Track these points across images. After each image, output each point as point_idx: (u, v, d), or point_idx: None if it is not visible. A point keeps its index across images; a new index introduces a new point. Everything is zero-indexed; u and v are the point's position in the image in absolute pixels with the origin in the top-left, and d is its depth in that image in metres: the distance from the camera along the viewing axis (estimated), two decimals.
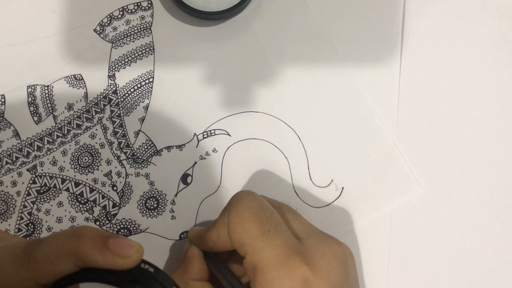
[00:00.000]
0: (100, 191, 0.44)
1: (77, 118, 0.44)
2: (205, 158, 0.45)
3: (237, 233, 0.34)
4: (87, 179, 0.44)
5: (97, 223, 0.43)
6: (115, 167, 0.44)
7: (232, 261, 0.39)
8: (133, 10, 0.46)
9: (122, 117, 0.45)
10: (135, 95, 0.45)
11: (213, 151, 0.45)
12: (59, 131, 0.44)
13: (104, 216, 0.44)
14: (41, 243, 0.30)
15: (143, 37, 0.46)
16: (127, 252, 0.29)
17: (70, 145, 0.44)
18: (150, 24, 0.46)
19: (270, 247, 0.33)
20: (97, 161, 0.44)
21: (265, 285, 0.33)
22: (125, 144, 0.44)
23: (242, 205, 0.35)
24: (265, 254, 0.33)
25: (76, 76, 0.45)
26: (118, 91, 0.45)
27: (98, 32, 0.46)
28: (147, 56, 0.45)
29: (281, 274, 0.33)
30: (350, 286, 0.35)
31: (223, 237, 0.36)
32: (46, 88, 0.44)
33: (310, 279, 0.33)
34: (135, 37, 0.46)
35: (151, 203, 0.44)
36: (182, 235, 0.44)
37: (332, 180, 0.45)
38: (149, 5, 0.46)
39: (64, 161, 0.44)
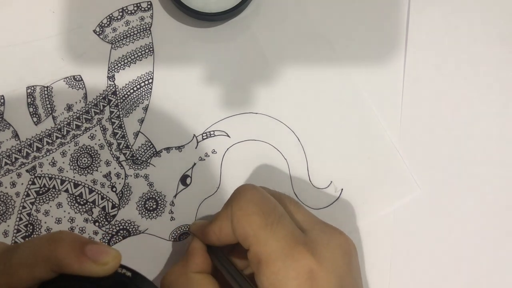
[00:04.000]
0: (99, 192, 0.44)
1: (76, 119, 0.44)
2: (204, 159, 0.45)
3: (240, 226, 0.35)
4: (86, 180, 0.44)
5: (96, 224, 0.43)
6: (114, 168, 0.44)
7: (235, 254, 0.39)
8: (133, 11, 0.46)
9: (121, 118, 0.45)
10: (134, 96, 0.45)
11: (212, 152, 0.45)
12: (59, 132, 0.44)
13: (103, 217, 0.44)
14: (18, 248, 0.30)
15: (142, 38, 0.46)
16: (104, 258, 0.29)
17: (69, 146, 0.44)
18: (149, 25, 0.46)
19: (274, 238, 0.33)
20: (96, 162, 0.44)
21: (270, 276, 0.33)
22: (125, 145, 0.44)
23: (245, 198, 0.36)
24: (270, 246, 0.33)
25: (76, 77, 0.45)
26: (117, 92, 0.45)
27: (97, 33, 0.45)
28: (146, 57, 0.45)
29: (286, 265, 0.33)
30: (353, 276, 0.35)
31: (225, 231, 0.36)
32: (45, 89, 0.44)
33: (315, 270, 0.33)
34: (134, 38, 0.46)
35: (150, 204, 0.44)
36: (182, 237, 0.44)
37: (331, 182, 0.45)
38: (149, 6, 0.46)
39: (64, 162, 0.44)
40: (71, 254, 0.29)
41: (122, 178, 0.44)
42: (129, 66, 0.45)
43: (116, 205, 0.44)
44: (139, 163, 0.44)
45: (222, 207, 0.38)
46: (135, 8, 0.46)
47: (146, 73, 0.45)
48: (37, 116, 0.44)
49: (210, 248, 0.39)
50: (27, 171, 0.44)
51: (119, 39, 0.45)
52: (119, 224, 0.44)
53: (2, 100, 0.44)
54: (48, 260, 0.29)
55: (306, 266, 0.33)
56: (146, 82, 0.45)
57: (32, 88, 0.44)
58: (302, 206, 0.39)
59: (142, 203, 0.44)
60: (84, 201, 0.44)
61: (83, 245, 0.29)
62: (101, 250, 0.29)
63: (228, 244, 0.37)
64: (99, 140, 0.44)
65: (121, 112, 0.45)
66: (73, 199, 0.44)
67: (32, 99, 0.44)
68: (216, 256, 0.38)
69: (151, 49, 0.46)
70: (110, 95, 0.45)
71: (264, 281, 0.33)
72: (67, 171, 0.44)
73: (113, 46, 0.45)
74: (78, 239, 0.30)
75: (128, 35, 0.46)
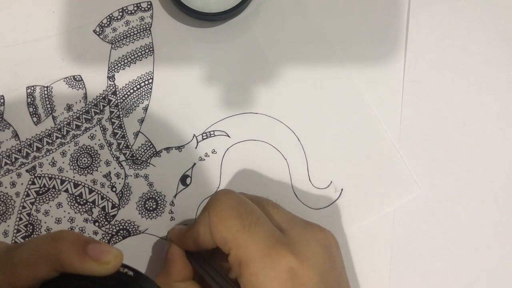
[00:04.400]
0: (99, 192, 0.44)
1: (76, 119, 0.44)
2: (204, 159, 0.45)
3: (219, 230, 0.35)
4: (86, 180, 0.44)
5: (96, 224, 0.43)
6: (114, 168, 0.44)
7: (214, 258, 0.40)
8: (133, 11, 0.46)
9: (121, 118, 0.45)
10: (134, 96, 0.45)
11: (212, 152, 0.45)
12: (59, 132, 0.44)
13: (103, 217, 0.44)
14: (20, 247, 0.30)
15: (142, 38, 0.46)
16: (105, 258, 0.29)
17: (69, 146, 0.44)
18: (149, 25, 0.46)
19: (253, 240, 0.33)
20: (96, 162, 0.44)
21: (250, 278, 0.33)
22: (124, 145, 0.44)
23: (221, 203, 0.36)
24: (249, 248, 0.33)
25: (76, 77, 0.45)
26: (117, 92, 0.45)
27: (97, 33, 0.45)
28: (146, 57, 0.45)
29: (266, 265, 0.33)
30: (336, 272, 0.35)
31: (204, 236, 0.36)
32: (45, 89, 0.44)
33: (296, 268, 0.33)
34: (134, 38, 0.46)
35: (150, 204, 0.44)
36: None
37: (331, 182, 0.45)
38: (149, 6, 0.46)
39: (63, 162, 0.44)
40: (73, 253, 0.29)
41: (122, 178, 0.44)
42: (129, 66, 0.45)
43: (116, 205, 0.44)
44: (139, 163, 0.44)
45: (200, 213, 0.37)
46: (135, 8, 0.46)
47: (146, 73, 0.45)
48: (37, 116, 0.44)
49: (189, 253, 0.38)
50: (27, 171, 0.44)
51: (119, 39, 0.45)
52: (119, 224, 0.44)
53: (2, 100, 0.44)
54: (50, 259, 0.29)
55: (286, 265, 0.33)
56: (146, 82, 0.45)
57: (32, 88, 0.44)
58: (281, 207, 0.39)
59: (142, 203, 0.44)
60: (84, 201, 0.44)
61: (85, 244, 0.29)
62: (103, 249, 0.29)
63: (207, 250, 0.37)
64: (99, 140, 0.44)
65: (121, 112, 0.45)
66: (73, 199, 0.44)
67: (32, 99, 0.44)
68: (196, 261, 0.38)
69: (151, 49, 0.46)
70: (110, 95, 0.45)
71: (245, 283, 0.33)
72: (67, 171, 0.44)
73: (113, 46, 0.45)
74: (80, 238, 0.30)
75: (128, 35, 0.46)
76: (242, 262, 0.33)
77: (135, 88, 0.45)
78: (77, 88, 0.45)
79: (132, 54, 0.45)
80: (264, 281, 0.33)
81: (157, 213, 0.44)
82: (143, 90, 0.45)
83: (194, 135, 0.45)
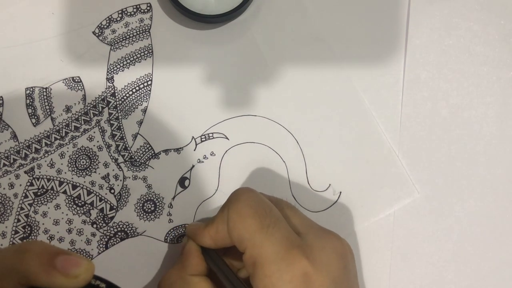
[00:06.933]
0: (97, 194, 0.44)
1: (75, 121, 0.44)
2: (203, 162, 0.44)
3: (236, 229, 0.34)
4: (84, 181, 0.44)
5: (94, 226, 0.43)
6: (113, 170, 0.44)
7: (229, 255, 0.39)
8: (132, 13, 0.46)
9: (120, 119, 0.44)
10: (133, 97, 0.45)
11: (211, 154, 0.45)
12: (57, 134, 0.44)
13: (101, 219, 0.43)
14: None
15: (141, 40, 0.46)
16: (74, 271, 0.28)
17: (68, 148, 0.44)
18: (149, 27, 0.46)
19: (270, 241, 0.33)
20: (94, 163, 0.44)
21: (264, 279, 0.33)
22: (123, 147, 0.44)
23: (241, 201, 0.35)
24: (265, 249, 0.33)
25: (75, 78, 0.45)
26: (116, 94, 0.45)
27: (97, 35, 0.45)
28: (145, 59, 0.45)
29: (281, 268, 0.33)
30: (349, 281, 0.35)
31: (222, 234, 0.36)
32: (44, 90, 0.44)
33: (310, 273, 0.33)
34: (134, 39, 0.46)
35: (148, 206, 0.44)
36: (180, 239, 0.44)
37: (330, 185, 0.44)
38: (148, 8, 0.46)
39: (62, 164, 0.44)
40: (39, 266, 0.28)
41: (121, 180, 0.44)
42: (128, 68, 0.45)
43: (114, 207, 0.44)
44: (138, 165, 0.44)
45: (219, 209, 0.37)
46: (135, 10, 0.46)
47: (145, 75, 0.45)
48: (35, 117, 0.44)
49: (204, 249, 0.38)
50: (25, 172, 0.44)
51: (118, 41, 0.45)
52: (117, 226, 0.43)
53: (1, 101, 0.44)
54: (15, 272, 0.28)
55: (300, 270, 0.33)
56: (145, 84, 0.45)
57: (31, 89, 0.44)
58: (299, 210, 0.39)
59: (140, 205, 0.44)
60: (82, 202, 0.44)
61: (53, 257, 0.28)
62: (72, 261, 0.28)
63: (224, 247, 0.37)
64: (97, 141, 0.44)
65: (119, 114, 0.45)
66: (71, 200, 0.44)
67: (31, 100, 0.44)
68: (210, 257, 0.38)
69: (150, 51, 0.46)
70: (109, 96, 0.45)
71: (258, 283, 0.33)
72: (65, 173, 0.44)
73: (112, 48, 0.45)
74: (48, 249, 0.29)
75: (128, 36, 0.46)
76: (256, 262, 0.33)
77: (134, 90, 0.45)
78: (76, 90, 0.45)
79: (131, 56, 0.45)
80: (277, 283, 0.32)
81: (155, 215, 0.44)
82: (142, 92, 0.45)
83: (193, 137, 0.45)
